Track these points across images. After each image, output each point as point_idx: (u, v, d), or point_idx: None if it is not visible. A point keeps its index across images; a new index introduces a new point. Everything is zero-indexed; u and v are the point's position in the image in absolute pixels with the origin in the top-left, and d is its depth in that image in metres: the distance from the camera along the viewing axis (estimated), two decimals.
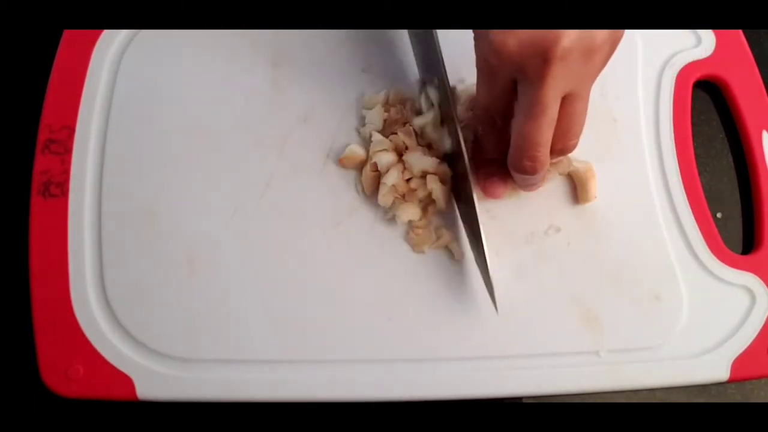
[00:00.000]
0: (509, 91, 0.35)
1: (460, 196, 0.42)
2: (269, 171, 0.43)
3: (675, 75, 0.48)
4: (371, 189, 0.42)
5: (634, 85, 0.47)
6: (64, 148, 0.42)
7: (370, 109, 0.44)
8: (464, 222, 0.41)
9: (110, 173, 0.42)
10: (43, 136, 0.42)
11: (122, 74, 0.44)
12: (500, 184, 0.42)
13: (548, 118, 0.34)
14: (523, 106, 0.35)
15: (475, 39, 0.35)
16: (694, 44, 0.49)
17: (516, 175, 0.39)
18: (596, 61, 0.33)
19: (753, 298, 0.43)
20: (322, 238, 0.41)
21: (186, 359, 0.39)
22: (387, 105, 0.44)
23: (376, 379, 0.39)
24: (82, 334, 0.38)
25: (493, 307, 0.39)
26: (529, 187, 0.41)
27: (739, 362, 0.41)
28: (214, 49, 0.45)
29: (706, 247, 0.44)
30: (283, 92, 0.44)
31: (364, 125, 0.44)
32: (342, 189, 0.43)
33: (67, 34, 0.44)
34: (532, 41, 0.32)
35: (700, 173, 0.46)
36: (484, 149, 0.41)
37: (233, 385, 0.38)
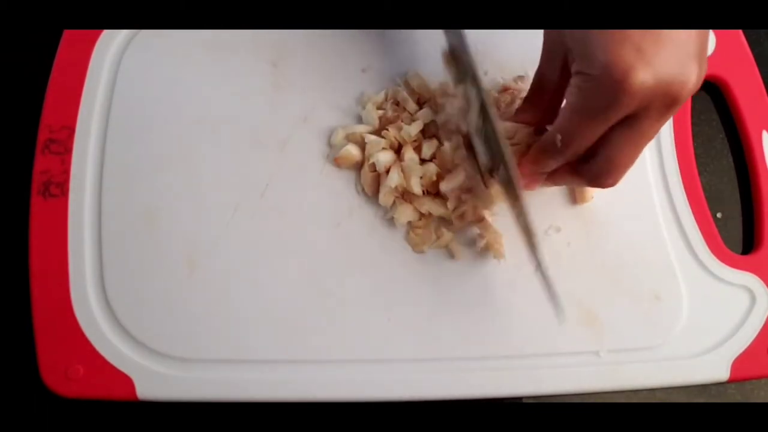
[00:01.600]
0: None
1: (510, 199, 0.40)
2: (269, 171, 0.43)
3: None
4: (372, 189, 0.42)
5: None
6: (64, 148, 0.42)
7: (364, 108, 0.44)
8: (522, 233, 0.40)
9: (110, 173, 0.42)
10: (43, 136, 0.42)
11: (122, 74, 0.44)
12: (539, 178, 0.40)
13: (646, 145, 0.35)
14: (631, 135, 0.34)
15: (587, 76, 0.32)
16: None
17: (573, 181, 0.38)
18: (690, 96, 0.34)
19: (753, 298, 0.43)
20: (322, 238, 0.41)
21: (186, 359, 0.39)
22: (383, 103, 0.44)
23: (376, 379, 0.39)
24: (82, 334, 0.38)
25: (555, 314, 0.38)
26: (562, 185, 0.41)
27: (739, 362, 0.41)
28: (214, 49, 0.45)
29: (706, 247, 0.44)
30: (283, 92, 0.44)
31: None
32: (342, 189, 0.43)
33: (67, 34, 0.44)
34: (668, 81, 0.31)
35: (700, 173, 0.46)
36: (538, 168, 0.38)
37: (233, 385, 0.38)
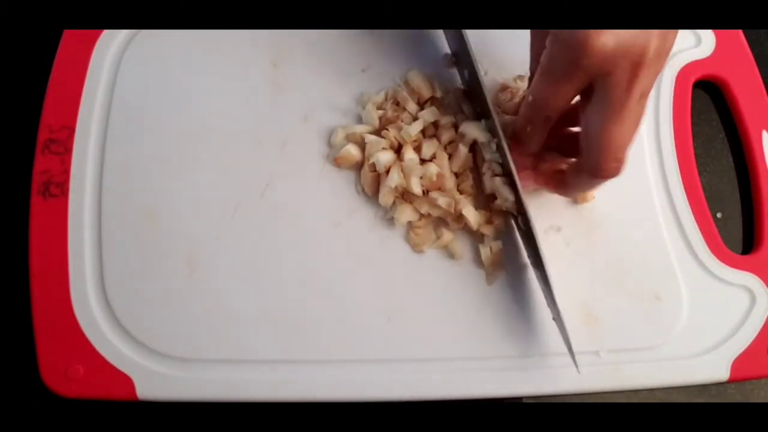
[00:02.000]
0: (578, 91, 0.35)
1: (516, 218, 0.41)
2: (269, 171, 0.43)
3: (675, 75, 0.48)
4: (372, 189, 0.42)
5: None
6: (64, 148, 0.42)
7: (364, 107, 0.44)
8: (528, 255, 0.41)
9: (110, 173, 0.42)
10: (43, 136, 0.42)
11: (122, 74, 0.44)
12: (531, 177, 0.41)
13: (634, 119, 0.34)
14: (605, 109, 0.34)
15: (554, 37, 0.33)
16: (694, 44, 0.49)
17: (580, 179, 0.38)
18: (662, 63, 0.34)
19: (753, 298, 0.43)
20: (322, 238, 0.41)
21: (186, 359, 0.39)
22: (383, 103, 0.44)
23: (376, 379, 0.39)
24: (82, 334, 0.38)
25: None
26: (576, 189, 0.40)
27: (739, 362, 0.41)
28: (214, 48, 0.45)
29: (706, 247, 0.44)
30: (283, 92, 0.44)
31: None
32: (342, 189, 0.43)
33: (67, 34, 0.44)
34: (628, 43, 0.32)
35: (700, 173, 0.46)
36: (524, 146, 0.39)
37: (233, 385, 0.38)
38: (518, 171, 0.39)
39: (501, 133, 0.40)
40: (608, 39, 0.31)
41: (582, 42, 0.32)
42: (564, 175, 0.40)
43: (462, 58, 0.43)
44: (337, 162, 0.43)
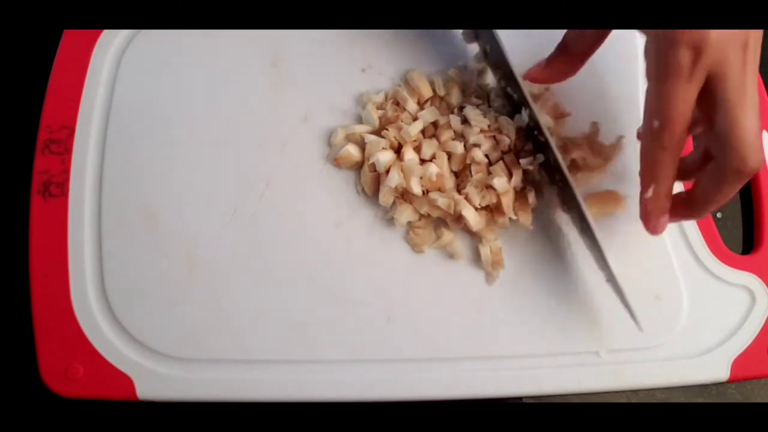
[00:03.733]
0: (697, 94, 0.33)
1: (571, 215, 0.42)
2: (269, 171, 0.43)
3: None
4: (372, 189, 0.42)
5: (634, 85, 0.47)
6: (64, 148, 0.42)
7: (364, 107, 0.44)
8: (588, 246, 0.41)
9: (110, 173, 0.42)
10: (43, 136, 0.42)
11: (122, 74, 0.44)
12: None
13: (756, 103, 0.33)
14: (730, 99, 0.33)
15: (661, 44, 0.33)
16: None
17: (719, 189, 0.35)
18: (761, 38, 0.34)
19: (753, 298, 0.43)
20: (322, 238, 0.41)
21: (186, 359, 0.39)
22: (383, 103, 0.44)
23: (376, 379, 0.39)
24: (82, 334, 0.38)
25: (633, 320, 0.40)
26: (712, 204, 0.37)
27: (739, 362, 0.41)
28: (214, 49, 0.45)
29: (706, 247, 0.44)
30: (283, 92, 0.44)
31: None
32: (342, 189, 0.43)
33: (67, 34, 0.44)
34: (728, 32, 0.32)
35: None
36: (660, 185, 0.36)
37: (233, 385, 0.38)
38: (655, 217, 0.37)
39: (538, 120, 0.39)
40: (708, 32, 0.32)
41: (687, 39, 0.32)
42: (698, 194, 0.37)
43: (481, 32, 0.43)
44: (337, 162, 0.43)
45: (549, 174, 0.41)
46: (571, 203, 0.40)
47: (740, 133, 0.33)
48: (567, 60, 0.40)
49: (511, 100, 0.42)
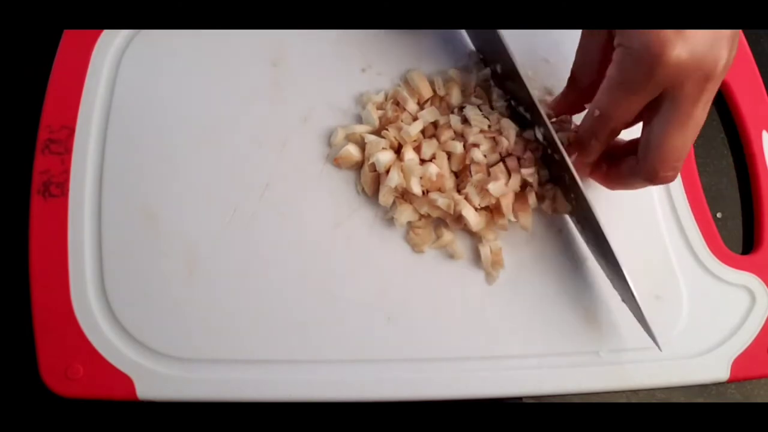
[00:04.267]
0: (646, 103, 0.35)
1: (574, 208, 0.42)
2: (269, 171, 0.43)
3: None
4: (372, 189, 0.42)
5: None
6: (64, 148, 0.42)
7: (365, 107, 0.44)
8: (590, 247, 0.42)
9: (110, 173, 0.42)
10: (43, 136, 0.42)
11: (122, 74, 0.44)
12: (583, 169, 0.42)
13: (697, 131, 0.35)
14: (672, 119, 0.34)
15: (626, 50, 0.34)
16: None
17: (635, 181, 0.38)
18: (725, 74, 0.34)
19: (753, 298, 0.43)
20: (322, 238, 0.41)
21: (186, 359, 0.38)
22: (383, 103, 0.44)
23: (376, 379, 0.39)
24: (82, 334, 0.38)
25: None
26: (628, 188, 0.41)
27: (739, 362, 0.41)
28: (214, 48, 0.45)
29: (706, 247, 0.44)
30: (283, 92, 0.44)
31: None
32: (342, 189, 0.43)
33: (67, 34, 0.44)
34: (701, 55, 0.32)
35: (700, 173, 0.46)
36: (585, 156, 0.40)
37: (233, 385, 0.38)
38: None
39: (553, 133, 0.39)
40: (682, 51, 0.32)
41: (658, 54, 0.32)
42: (616, 174, 0.40)
43: (489, 53, 0.44)
44: (337, 162, 0.43)
45: (564, 192, 0.41)
46: (587, 224, 0.40)
47: (664, 150, 0.35)
48: (577, 91, 0.40)
49: (521, 117, 0.42)
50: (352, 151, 0.42)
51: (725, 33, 0.33)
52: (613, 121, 0.36)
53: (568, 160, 0.39)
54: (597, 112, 0.37)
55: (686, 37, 0.32)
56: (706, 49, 0.33)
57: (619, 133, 0.38)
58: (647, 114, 0.36)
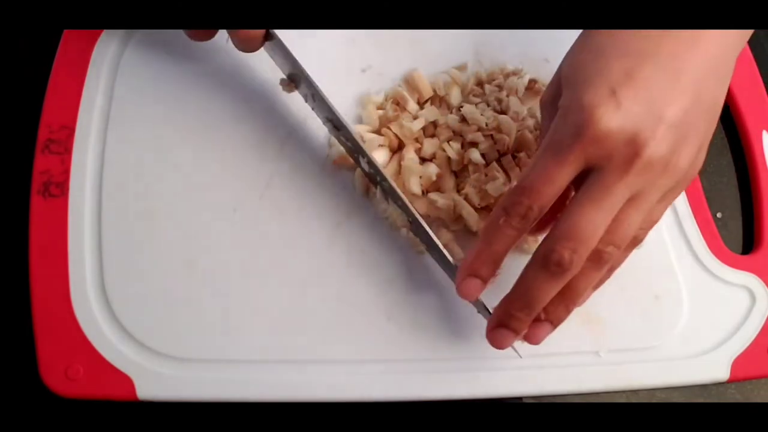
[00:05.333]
0: (572, 177, 0.33)
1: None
2: (269, 171, 0.43)
3: None
4: (362, 189, 0.42)
5: None
6: (64, 148, 0.42)
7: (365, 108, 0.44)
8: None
9: (110, 173, 0.42)
10: (43, 136, 0.42)
11: (122, 74, 0.44)
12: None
13: (608, 211, 0.32)
14: (588, 191, 0.32)
15: (564, 111, 0.32)
16: None
17: (531, 275, 0.34)
18: (668, 181, 0.33)
19: (753, 298, 0.43)
20: (322, 238, 0.41)
21: (186, 359, 0.38)
22: (383, 103, 0.44)
23: (376, 379, 0.39)
24: (82, 334, 0.38)
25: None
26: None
27: (739, 362, 0.41)
28: (214, 48, 0.45)
29: (706, 247, 0.44)
30: (283, 92, 0.44)
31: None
32: (342, 189, 0.43)
33: (67, 34, 0.44)
34: (631, 128, 0.31)
35: (700, 173, 0.46)
36: (491, 245, 0.35)
37: (233, 385, 0.38)
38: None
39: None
40: (612, 120, 0.31)
41: (587, 118, 0.31)
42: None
43: (299, 79, 0.41)
44: (336, 163, 0.43)
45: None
46: None
47: (569, 224, 0.32)
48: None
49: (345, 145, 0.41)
50: None
51: (671, 121, 0.31)
52: (535, 191, 0.32)
53: (398, 190, 0.38)
54: (519, 184, 0.33)
55: (620, 103, 0.31)
56: (639, 124, 0.31)
57: (532, 220, 0.33)
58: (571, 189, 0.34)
